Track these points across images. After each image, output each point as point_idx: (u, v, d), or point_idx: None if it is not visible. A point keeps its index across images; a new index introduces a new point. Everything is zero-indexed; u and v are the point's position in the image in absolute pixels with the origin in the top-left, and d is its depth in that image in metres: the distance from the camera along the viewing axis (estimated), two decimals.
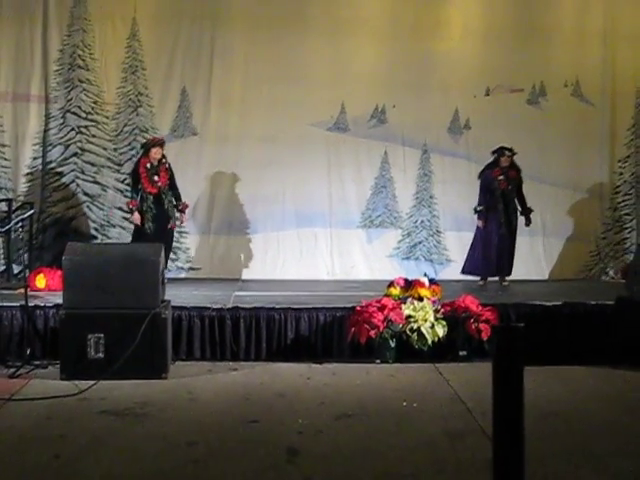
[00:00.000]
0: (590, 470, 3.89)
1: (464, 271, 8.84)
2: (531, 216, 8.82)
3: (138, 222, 8.36)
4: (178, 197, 8.60)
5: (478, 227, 8.73)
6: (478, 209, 8.70)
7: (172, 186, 8.54)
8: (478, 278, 8.75)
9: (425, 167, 9.92)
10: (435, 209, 9.91)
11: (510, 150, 8.69)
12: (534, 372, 4.78)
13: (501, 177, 8.63)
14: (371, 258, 9.77)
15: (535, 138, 9.75)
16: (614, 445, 4.29)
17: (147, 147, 8.51)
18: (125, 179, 9.29)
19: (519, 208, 8.78)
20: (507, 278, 8.73)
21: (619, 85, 10.02)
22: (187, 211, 8.74)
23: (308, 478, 3.79)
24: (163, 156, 8.47)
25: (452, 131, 9.91)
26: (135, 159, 9.00)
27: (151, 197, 8.39)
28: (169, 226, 8.48)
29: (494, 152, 8.73)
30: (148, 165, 8.40)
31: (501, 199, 8.63)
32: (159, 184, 8.39)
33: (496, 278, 8.74)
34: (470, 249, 8.80)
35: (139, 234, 8.40)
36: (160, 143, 8.53)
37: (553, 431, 4.51)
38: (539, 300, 7.11)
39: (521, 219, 8.83)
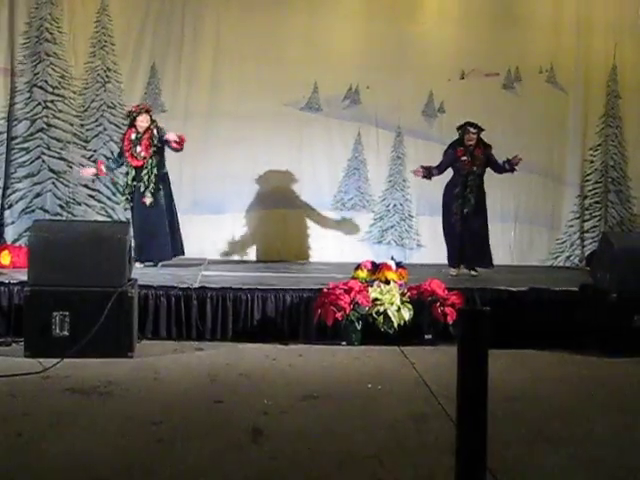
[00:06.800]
0: (547, 453, 3.94)
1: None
2: (510, 173, 8.20)
3: (85, 173, 8.52)
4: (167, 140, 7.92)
5: (445, 218, 8.19)
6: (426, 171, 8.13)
7: (160, 151, 7.99)
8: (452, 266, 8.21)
9: (398, 150, 9.88)
10: (408, 193, 9.86)
11: (476, 126, 8.03)
12: (498, 356, 4.82)
13: (464, 157, 7.97)
14: (342, 241, 9.69)
15: (509, 123, 9.75)
16: (571, 429, 4.35)
17: (132, 117, 8.06)
18: (91, 156, 9.17)
19: (506, 167, 8.10)
20: (479, 269, 8.11)
21: (592, 74, 10.08)
22: None
23: (273, 458, 3.80)
24: (152, 122, 7.99)
25: (426, 114, 9.87)
26: (102, 135, 8.86)
27: (134, 171, 7.96)
28: (142, 200, 7.91)
29: (459, 128, 8.15)
30: (133, 136, 7.97)
31: (462, 183, 7.97)
32: (142, 154, 7.92)
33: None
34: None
35: (132, 213, 8.10)
36: (146, 109, 8.12)
37: (515, 415, 4.56)
38: (505, 285, 7.17)
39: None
